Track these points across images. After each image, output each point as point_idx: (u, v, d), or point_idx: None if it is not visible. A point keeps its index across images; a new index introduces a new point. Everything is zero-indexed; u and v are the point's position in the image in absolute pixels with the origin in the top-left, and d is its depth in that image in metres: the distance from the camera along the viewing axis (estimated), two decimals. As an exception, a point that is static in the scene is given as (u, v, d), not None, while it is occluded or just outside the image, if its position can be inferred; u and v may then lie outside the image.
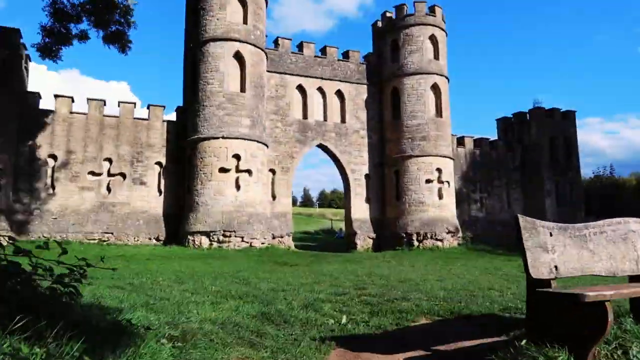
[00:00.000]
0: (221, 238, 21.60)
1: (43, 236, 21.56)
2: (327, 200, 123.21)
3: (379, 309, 7.43)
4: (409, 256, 21.97)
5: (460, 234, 27.19)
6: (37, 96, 22.85)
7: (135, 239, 22.92)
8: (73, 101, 23.58)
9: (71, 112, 23.22)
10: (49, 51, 18.41)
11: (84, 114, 23.45)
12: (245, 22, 24.28)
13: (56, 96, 23.13)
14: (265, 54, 25.51)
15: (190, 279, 10.34)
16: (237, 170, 22.70)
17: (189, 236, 21.83)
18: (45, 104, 22.00)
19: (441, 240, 26.09)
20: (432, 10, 28.85)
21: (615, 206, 49.33)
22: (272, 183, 26.10)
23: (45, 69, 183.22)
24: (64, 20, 18.15)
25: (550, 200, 32.41)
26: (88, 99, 23.70)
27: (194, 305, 6.66)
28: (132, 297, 7.02)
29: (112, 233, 22.65)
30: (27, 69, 24.15)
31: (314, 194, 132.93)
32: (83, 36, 18.63)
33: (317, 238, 43.73)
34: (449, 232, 26.44)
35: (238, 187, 22.57)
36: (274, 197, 25.87)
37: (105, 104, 24.15)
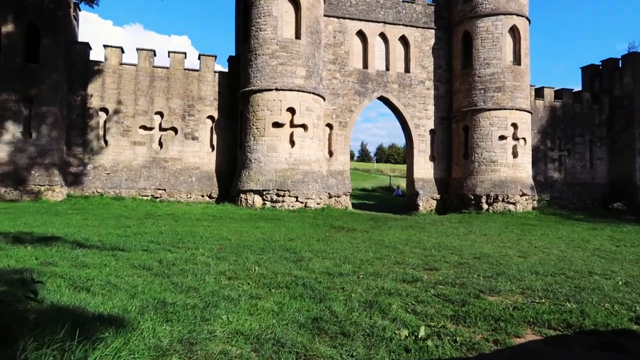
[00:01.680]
0: (274, 197, 20.35)
1: (97, 191, 21.23)
2: (385, 155, 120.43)
3: (464, 312, 5.70)
4: (479, 221, 19.83)
5: (535, 197, 24.51)
6: (86, 46, 22.00)
7: (188, 196, 22.17)
8: (123, 52, 22.57)
9: (121, 63, 22.25)
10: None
11: (134, 65, 22.43)
12: (300, -41, 21.95)
13: (105, 46, 22.18)
14: (323, -5, 23.21)
15: (234, 253, 9.00)
16: (292, 125, 21.10)
17: (241, 195, 20.74)
18: (99, 55, 21.04)
19: (514, 204, 23.60)
20: (513, -60, 25.06)
21: None
22: (329, 139, 24.37)
23: (111, 24, 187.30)
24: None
25: (641, 160, 28.66)
26: (137, 49, 22.61)
27: (226, 305, 5.19)
28: (151, 289, 5.66)
29: (164, 189, 21.99)
30: (76, 18, 23.27)
31: (372, 149, 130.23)
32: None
33: (374, 196, 41.98)
34: (523, 194, 23.84)
35: (292, 143, 21.03)
36: (330, 153, 24.21)
37: (155, 54, 23.00)
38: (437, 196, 25.56)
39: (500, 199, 23.55)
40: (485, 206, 23.68)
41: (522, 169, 24.37)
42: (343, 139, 24.52)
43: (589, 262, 10.88)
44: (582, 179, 29.14)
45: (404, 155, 27.29)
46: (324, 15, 24.27)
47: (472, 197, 24.06)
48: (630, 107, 28.96)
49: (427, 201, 25.29)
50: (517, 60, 24.92)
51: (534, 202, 24.34)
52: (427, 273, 8.48)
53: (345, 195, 23.83)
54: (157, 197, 21.81)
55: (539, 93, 28.72)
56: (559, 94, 29.29)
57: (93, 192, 21.17)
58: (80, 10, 23.95)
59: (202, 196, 22.40)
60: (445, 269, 9.04)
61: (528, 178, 24.59)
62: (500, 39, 24.59)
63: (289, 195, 20.35)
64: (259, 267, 7.51)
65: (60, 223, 13.40)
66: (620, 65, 29.96)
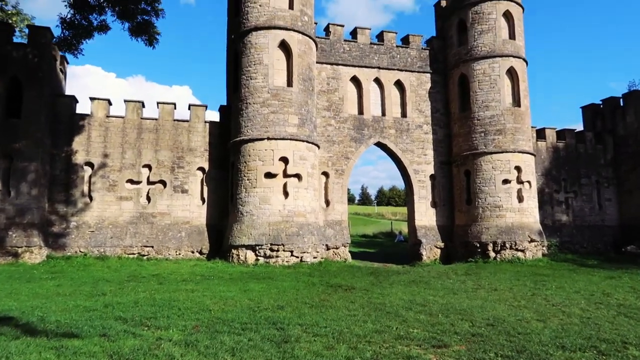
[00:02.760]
0: (268, 252, 19.10)
1: (80, 251, 20.01)
2: (386, 198, 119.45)
3: None
4: (487, 272, 18.51)
5: (545, 243, 23.22)
6: (72, 100, 21.35)
7: (177, 253, 20.92)
8: (110, 104, 21.92)
9: (108, 116, 21.55)
10: (69, 44, 16.64)
11: (121, 117, 21.72)
12: (291, 6, 21.64)
13: (92, 99, 21.53)
14: (315, 42, 22.77)
15: (209, 334, 7.73)
16: (285, 175, 20.13)
17: (233, 250, 19.51)
18: (87, 108, 20.53)
19: (523, 251, 22.29)
20: (506, -18, 24.94)
21: None
22: (325, 187, 23.36)
23: (114, 77, 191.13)
24: (84, 11, 16.27)
25: (652, 200, 27.50)
26: (125, 101, 21.96)
27: None
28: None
29: (152, 246, 20.77)
30: (63, 71, 22.77)
31: (372, 192, 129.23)
32: (103, 27, 16.73)
33: (376, 243, 40.60)
34: (532, 240, 22.57)
35: (286, 194, 19.99)
36: (327, 203, 23.13)
37: (143, 106, 22.35)
38: (441, 244, 24.26)
39: (507, 246, 22.26)
40: (492, 254, 22.36)
41: (529, 213, 23.20)
42: (340, 187, 23.50)
43: (618, 325, 9.61)
44: (592, 222, 27.89)
45: (405, 201, 26.16)
46: (317, 62, 23.81)
47: (478, 245, 22.78)
48: (636, 147, 28.09)
49: (430, 250, 23.98)
50: (516, 102, 24.25)
51: (544, 248, 23.03)
52: (434, 353, 7.21)
53: (344, 246, 22.58)
54: (144, 255, 20.56)
55: (540, 134, 27.95)
56: (561, 134, 28.51)
57: (76, 252, 19.94)
58: (68, 63, 23.49)
59: (193, 252, 21.15)
60: (456, 344, 7.79)
61: (536, 223, 23.38)
62: (498, 81, 24.01)
63: (284, 250, 19.11)
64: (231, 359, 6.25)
65: (27, 293, 12.16)
66: (621, 104, 29.32)
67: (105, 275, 15.80)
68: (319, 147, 22.21)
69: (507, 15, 24.69)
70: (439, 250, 24.18)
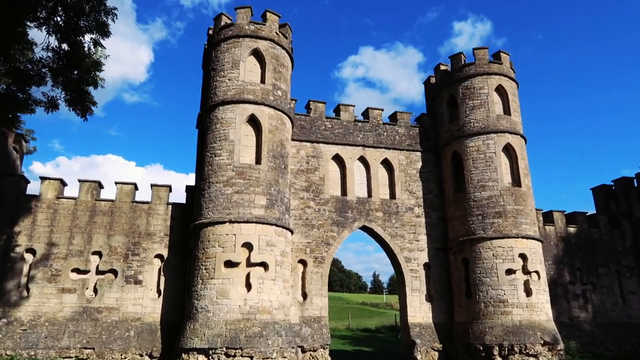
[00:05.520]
0: (223, 358, 15.86)
1: (6, 354, 16.95)
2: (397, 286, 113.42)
3: None
4: (490, 386, 14.96)
5: (561, 345, 19.53)
6: (20, 179, 19.46)
7: (123, 356, 17.70)
8: (64, 184, 19.98)
9: (58, 197, 19.47)
10: (4, 118, 14.96)
11: (74, 198, 19.63)
12: (262, 80, 20.21)
13: (42, 178, 19.59)
14: (291, 119, 21.07)
15: None
16: (249, 264, 17.40)
17: (183, 355, 16.29)
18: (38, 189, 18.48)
19: (535, 356, 18.64)
20: (496, 57, 23.56)
21: None
22: (303, 278, 20.44)
23: (134, 165, 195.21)
24: (22, 82, 14.73)
25: (683, 293, 23.88)
26: (80, 181, 19.99)
27: None
28: None
29: (93, 348, 17.62)
30: (17, 149, 21.13)
31: (384, 279, 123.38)
32: (52, 104, 15.17)
33: (377, 339, 36.39)
34: (545, 343, 18.97)
35: (249, 286, 17.12)
36: (304, 296, 20.10)
37: (101, 186, 20.34)
38: (439, 346, 20.65)
39: (516, 349, 18.67)
40: (498, 359, 18.74)
41: (540, 309, 19.80)
42: (319, 277, 20.56)
43: None
44: (615, 319, 24.10)
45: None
46: (296, 140, 22.03)
47: (482, 349, 19.20)
48: (657, 231, 25.04)
49: (426, 353, 20.35)
50: (516, 181, 21.82)
51: (561, 352, 19.31)
52: None
53: (324, 348, 19.18)
54: (83, 359, 17.38)
55: (547, 218, 25.14)
56: (571, 218, 25.65)
57: (1, 355, 16.89)
58: (27, 141, 21.94)
59: (142, 355, 17.90)
60: None
61: (548, 321, 19.88)
62: (494, 158, 21.79)
63: (242, 355, 15.86)
64: None
65: None
66: (635, 184, 26.70)
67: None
68: (292, 231, 19.65)
69: (500, 91, 23.04)
70: (437, 354, 20.51)
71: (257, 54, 20.54)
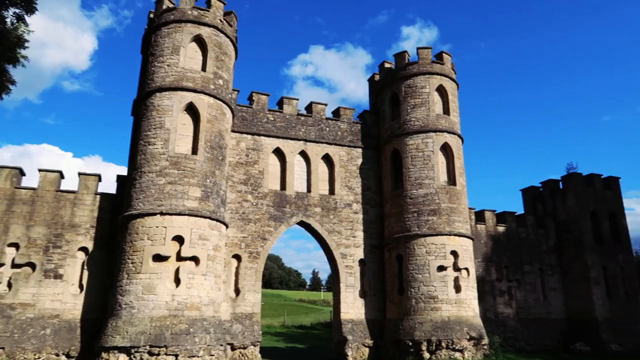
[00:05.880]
0: (146, 357, 15.18)
1: None
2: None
3: None
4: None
5: (486, 340, 20.27)
6: None
7: (36, 356, 16.57)
8: (-20, 170, 18.38)
9: (-30, 183, 17.90)
10: None
11: (-12, 185, 18.11)
12: (204, 68, 19.45)
13: (-48, 163, 17.94)
14: (232, 109, 20.45)
15: None
16: (179, 258, 16.73)
17: (102, 354, 15.45)
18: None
19: (461, 351, 19.24)
20: (439, 57, 23.94)
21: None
22: (236, 273, 19.98)
23: (71, 156, 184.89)
24: None
25: (598, 292, 25.49)
26: (-3, 166, 18.47)
27: None
28: None
29: (3, 347, 16.38)
30: None
31: (324, 277, 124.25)
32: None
33: (311, 336, 36.44)
34: (471, 338, 19.62)
35: (178, 281, 16.47)
36: (237, 292, 19.66)
37: (22, 173, 18.91)
38: (370, 342, 20.87)
39: (444, 345, 19.18)
40: (426, 355, 19.18)
41: (468, 305, 20.43)
42: (254, 273, 20.18)
43: None
44: (537, 314, 25.41)
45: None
46: (237, 132, 21.44)
47: (411, 344, 19.58)
48: (578, 233, 26.54)
49: (357, 350, 20.52)
50: (451, 180, 22.34)
51: (485, 347, 20.04)
52: None
53: (254, 345, 18.87)
54: (-8, 358, 16.14)
55: (480, 217, 26.04)
56: (501, 217, 26.70)
57: None
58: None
59: (58, 355, 16.85)
60: None
61: (475, 317, 20.57)
62: (432, 157, 22.19)
63: (166, 354, 15.25)
64: None
65: None
66: (561, 187, 28.15)
67: None
68: (227, 225, 19.12)
69: (441, 91, 23.46)
70: (367, 350, 20.73)
71: (199, 40, 19.74)
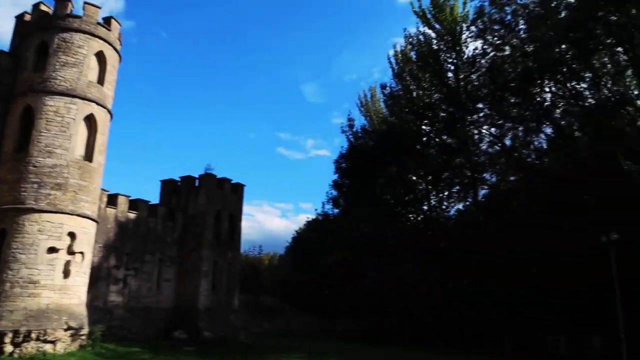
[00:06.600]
0: None
1: None
2: None
3: None
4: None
5: (86, 330, 19.11)
6: None
7: None
8: None
9: None
10: None
11: None
12: None
13: None
14: None
15: None
16: None
17: None
18: None
19: (53, 342, 17.49)
20: (107, 22, 21.75)
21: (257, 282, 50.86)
22: None
23: None
24: None
25: (205, 283, 27.96)
26: None
27: None
28: None
29: None
30: None
31: None
32: None
33: None
34: (70, 328, 18.13)
35: None
36: None
37: None
38: None
39: (34, 336, 17.01)
40: (9, 348, 16.57)
41: (74, 293, 18.87)
42: None
43: None
44: (147, 303, 25.85)
45: None
46: None
47: (-7, 335, 16.57)
48: (202, 228, 28.60)
49: None
50: (89, 156, 20.44)
51: (82, 337, 18.85)
52: None
53: None
54: None
55: (112, 200, 24.77)
56: (134, 204, 26.15)
57: None
58: None
59: None
60: None
61: (80, 305, 19.17)
62: (72, 125, 19.78)
63: None
64: None
65: None
66: (197, 184, 29.85)
67: None
68: None
69: (100, 57, 21.35)
70: None
71: None
